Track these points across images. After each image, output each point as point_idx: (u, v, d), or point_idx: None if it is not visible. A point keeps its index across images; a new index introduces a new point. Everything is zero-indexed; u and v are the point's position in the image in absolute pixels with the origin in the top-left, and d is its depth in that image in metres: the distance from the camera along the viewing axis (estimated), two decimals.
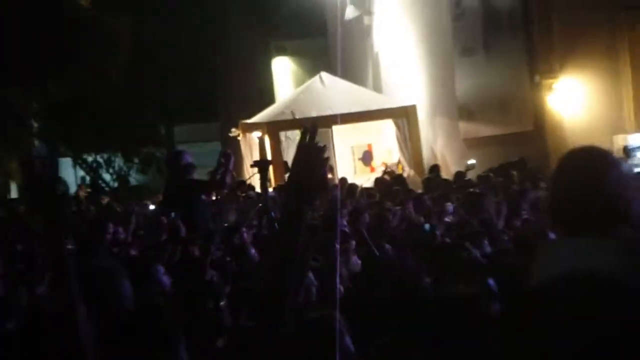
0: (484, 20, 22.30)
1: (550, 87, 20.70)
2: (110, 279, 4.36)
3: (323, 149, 3.18)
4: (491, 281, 4.59)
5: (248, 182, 18.41)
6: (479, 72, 22.41)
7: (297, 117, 20.33)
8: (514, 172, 17.14)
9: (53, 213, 3.55)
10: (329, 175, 3.64)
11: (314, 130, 3.19)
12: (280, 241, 3.18)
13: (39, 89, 28.36)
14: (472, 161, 19.55)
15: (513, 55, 21.46)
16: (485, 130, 22.32)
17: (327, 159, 3.19)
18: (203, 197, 10.87)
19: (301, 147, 3.18)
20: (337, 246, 5.34)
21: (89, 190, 29.89)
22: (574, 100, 20.27)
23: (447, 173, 20.50)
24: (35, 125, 30.50)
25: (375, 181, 20.27)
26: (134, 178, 32.50)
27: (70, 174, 35.42)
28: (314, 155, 3.14)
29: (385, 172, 22.07)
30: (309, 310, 4.11)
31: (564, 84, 20.45)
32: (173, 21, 31.67)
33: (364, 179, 21.38)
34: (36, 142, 32.42)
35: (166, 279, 6.49)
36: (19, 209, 19.80)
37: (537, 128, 20.92)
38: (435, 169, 20.66)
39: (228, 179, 10.94)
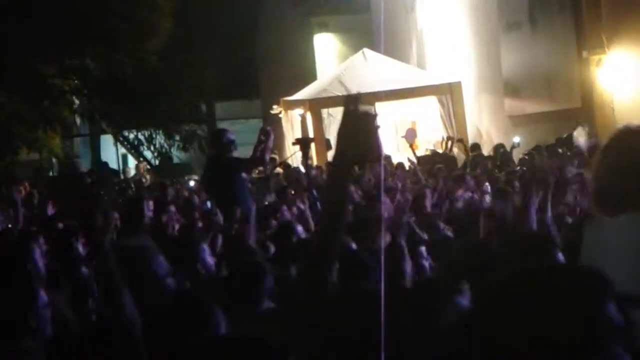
0: None
1: (598, 63, 20.26)
2: (140, 258, 4.24)
3: (372, 115, 2.96)
4: None
5: (288, 160, 18.23)
6: (525, 48, 22.04)
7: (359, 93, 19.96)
8: (560, 150, 16.80)
9: (89, 205, 3.61)
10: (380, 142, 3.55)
11: (357, 99, 2.98)
12: (327, 208, 3.10)
13: (78, 66, 28.38)
14: (517, 139, 19.21)
15: (560, 29, 21.05)
16: (531, 107, 21.96)
17: (378, 126, 2.97)
18: (243, 174, 10.69)
19: (345, 115, 2.97)
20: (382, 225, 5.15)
21: (148, 167, 29.85)
22: (624, 76, 19.78)
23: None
24: (77, 102, 30.55)
25: (419, 160, 20.02)
26: (176, 156, 32.43)
27: (111, 151, 35.45)
28: (360, 122, 2.92)
29: (430, 151, 21.84)
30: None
31: (613, 59, 19.98)
32: None
33: (407, 157, 21.10)
34: (78, 120, 32.51)
35: (210, 260, 6.35)
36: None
37: (585, 105, 20.51)
38: (475, 147, 20.37)
39: (267, 156, 10.82)
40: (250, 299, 5.19)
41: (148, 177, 25.76)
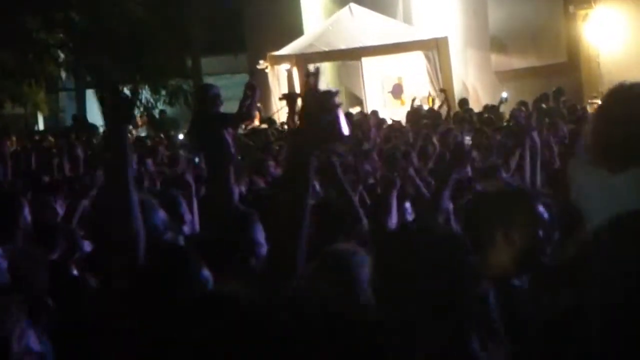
0: None
1: (585, 17, 20.26)
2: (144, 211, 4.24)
3: (333, 93, 2.93)
4: None
5: (276, 115, 18.21)
6: (511, 3, 21.99)
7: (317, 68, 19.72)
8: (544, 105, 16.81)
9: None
10: (343, 121, 3.50)
11: (316, 74, 2.94)
12: (288, 196, 3.06)
13: (64, 19, 28.18)
14: (504, 94, 19.21)
15: None
16: (518, 62, 21.97)
17: (338, 104, 2.94)
18: (230, 129, 10.67)
19: (306, 94, 2.95)
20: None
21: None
22: (610, 31, 19.78)
23: (478, 106, 20.19)
24: (62, 56, 30.36)
25: (407, 115, 20.04)
26: (161, 110, 32.32)
27: (96, 106, 35.27)
28: (321, 102, 2.90)
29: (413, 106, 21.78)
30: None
31: (599, 14, 19.96)
32: None
33: (394, 112, 21.08)
34: (63, 74, 32.32)
35: (188, 217, 6.33)
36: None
37: (571, 60, 20.55)
38: (463, 102, 20.37)
39: (254, 111, 10.79)
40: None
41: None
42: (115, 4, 26.83)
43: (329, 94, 2.93)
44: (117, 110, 3.92)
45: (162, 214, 4.52)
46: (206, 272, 3.52)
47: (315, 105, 2.92)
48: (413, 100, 21.56)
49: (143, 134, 23.60)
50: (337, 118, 2.92)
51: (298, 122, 3.02)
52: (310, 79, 2.95)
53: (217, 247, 4.91)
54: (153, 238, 4.14)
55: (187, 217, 6.25)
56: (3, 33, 25.65)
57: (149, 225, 4.19)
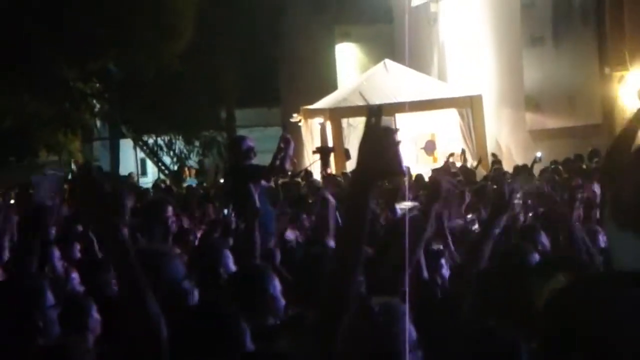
0: (554, 9, 21.82)
1: (620, 79, 20.17)
2: (156, 261, 4.19)
3: (393, 130, 2.94)
4: None
5: (309, 168, 18.20)
6: (547, 63, 21.97)
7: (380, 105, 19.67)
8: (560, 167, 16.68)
9: (107, 210, 3.48)
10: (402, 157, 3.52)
11: (379, 112, 2.96)
12: (345, 227, 3.11)
13: (100, 70, 28.50)
14: (539, 154, 19.12)
15: (583, 46, 20.97)
16: (552, 122, 21.89)
17: (399, 142, 2.95)
18: (263, 182, 10.64)
19: (367, 129, 2.95)
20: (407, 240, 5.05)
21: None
22: None
23: (512, 165, 20.08)
24: (98, 106, 30.66)
25: (433, 171, 19.97)
26: (194, 161, 32.47)
27: (130, 155, 35.51)
28: (382, 137, 2.91)
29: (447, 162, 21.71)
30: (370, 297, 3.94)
31: (635, 76, 19.88)
32: (236, 3, 31.56)
33: (426, 169, 21.03)
34: (98, 123, 32.61)
35: (232, 264, 6.30)
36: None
37: (606, 121, 20.41)
38: (496, 160, 20.28)
39: (287, 165, 10.75)
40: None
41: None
42: (151, 56, 27.09)
43: (390, 131, 2.95)
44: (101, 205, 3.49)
45: (178, 264, 4.47)
46: (244, 327, 3.47)
47: (377, 140, 2.94)
48: (450, 156, 21.55)
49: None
50: (397, 153, 2.93)
51: (358, 157, 3.01)
52: (373, 114, 2.97)
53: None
54: (170, 289, 4.09)
55: (231, 267, 6.20)
56: (40, 82, 25.94)
57: (166, 275, 4.16)
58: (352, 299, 3.04)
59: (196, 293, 4.56)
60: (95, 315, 5.03)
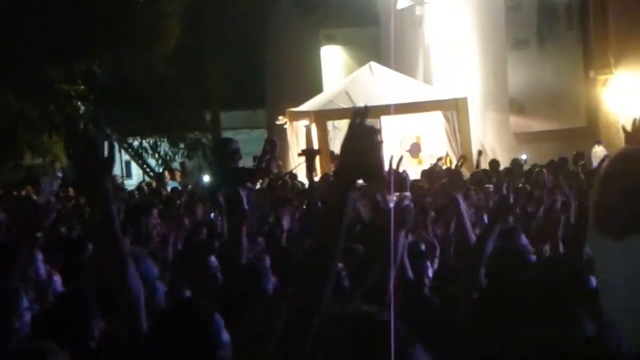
0: (539, 12, 21.90)
1: (605, 83, 20.25)
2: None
3: (376, 131, 2.94)
4: None
5: (294, 170, 18.18)
6: (531, 66, 22.04)
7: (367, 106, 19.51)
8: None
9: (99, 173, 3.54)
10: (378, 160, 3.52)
11: (364, 112, 2.96)
12: (323, 226, 3.05)
13: (85, 71, 28.43)
14: (524, 156, 19.19)
15: (567, 49, 21.05)
16: (536, 125, 21.96)
17: (381, 142, 2.96)
18: (248, 184, 10.64)
19: (351, 128, 2.95)
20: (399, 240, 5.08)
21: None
22: (630, 97, 19.75)
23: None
24: (82, 108, 30.57)
25: (422, 173, 19.97)
26: (181, 162, 32.46)
27: (115, 157, 35.41)
28: (366, 137, 2.91)
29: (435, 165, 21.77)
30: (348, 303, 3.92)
31: (620, 80, 19.95)
32: (222, 5, 31.56)
33: (412, 171, 21.06)
34: (82, 125, 32.50)
35: (219, 273, 6.32)
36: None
37: (590, 124, 20.50)
38: (495, 163, 20.30)
39: (273, 167, 10.76)
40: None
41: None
42: (137, 57, 27.04)
43: (374, 131, 2.96)
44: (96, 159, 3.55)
45: (150, 264, 4.49)
46: (220, 323, 3.46)
47: (360, 140, 2.94)
48: (439, 160, 21.57)
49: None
50: (379, 154, 2.95)
51: (340, 155, 3.01)
52: (359, 114, 2.98)
53: (230, 300, 4.89)
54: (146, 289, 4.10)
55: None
56: (25, 83, 25.86)
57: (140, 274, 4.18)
58: (327, 294, 3.00)
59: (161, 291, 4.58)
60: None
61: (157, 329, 3.46)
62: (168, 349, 3.34)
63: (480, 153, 22.14)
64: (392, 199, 6.00)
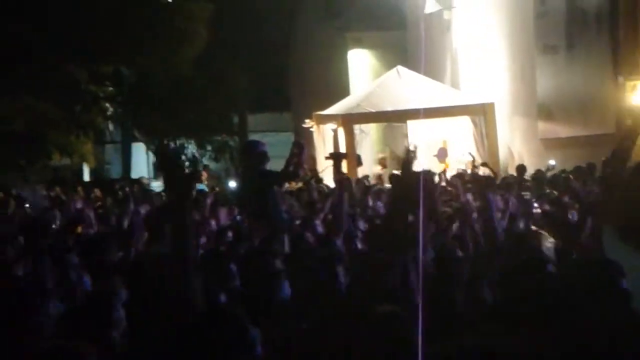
0: (568, 18, 21.81)
1: (633, 88, 20.15)
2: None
3: (432, 176, 3.04)
4: None
5: (320, 174, 18.19)
6: (560, 71, 21.95)
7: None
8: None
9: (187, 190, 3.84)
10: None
11: (412, 155, 3.08)
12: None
13: (113, 73, 28.53)
14: (552, 161, 19.10)
15: (596, 54, 20.98)
16: (564, 131, 21.85)
17: (438, 188, 3.06)
18: (276, 187, 10.65)
19: (404, 167, 3.06)
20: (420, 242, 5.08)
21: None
22: None
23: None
24: (110, 109, 30.70)
25: (451, 178, 19.92)
26: (204, 165, 32.53)
27: (142, 159, 35.56)
28: (415, 178, 3.02)
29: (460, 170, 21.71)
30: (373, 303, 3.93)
31: None
32: (249, 8, 31.63)
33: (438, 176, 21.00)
34: (110, 126, 32.66)
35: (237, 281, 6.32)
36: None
37: (619, 130, 20.36)
38: (522, 169, 20.21)
39: (300, 170, 10.77)
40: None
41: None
42: (163, 60, 27.11)
43: (432, 179, 3.09)
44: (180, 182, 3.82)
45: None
46: (255, 333, 3.46)
47: (409, 182, 3.05)
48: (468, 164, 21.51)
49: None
50: (435, 203, 3.09)
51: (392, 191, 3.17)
52: (409, 156, 3.11)
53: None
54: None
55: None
56: (52, 84, 25.96)
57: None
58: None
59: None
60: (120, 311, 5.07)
61: (193, 332, 3.47)
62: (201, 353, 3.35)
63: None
64: None
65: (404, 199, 3.11)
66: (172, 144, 26.69)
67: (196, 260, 3.80)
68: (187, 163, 32.27)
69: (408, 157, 3.22)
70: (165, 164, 4.01)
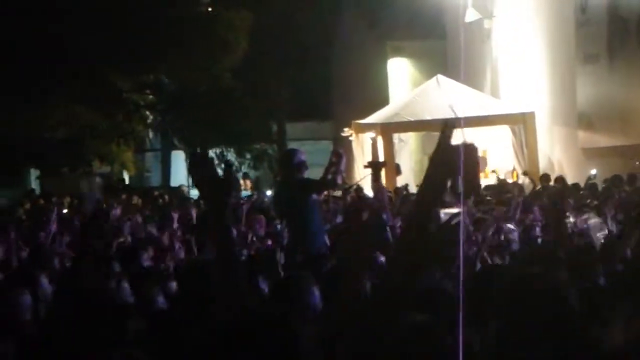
0: (609, 26, 21.65)
1: None
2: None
3: (475, 148, 2.93)
4: None
5: (359, 183, 18.19)
6: (601, 81, 21.80)
7: (455, 112, 19.33)
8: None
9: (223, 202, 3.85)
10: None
11: (451, 128, 2.95)
12: (410, 228, 3.09)
13: (153, 82, 28.73)
14: (593, 171, 18.98)
15: (637, 63, 20.80)
16: (605, 140, 21.70)
17: (479, 160, 2.95)
18: (314, 196, 10.65)
19: (441, 139, 2.93)
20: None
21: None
22: None
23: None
24: (150, 117, 30.91)
25: (485, 188, 19.87)
26: (245, 173, 32.62)
27: (182, 167, 35.70)
28: (454, 151, 2.90)
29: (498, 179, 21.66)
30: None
31: None
32: (288, 18, 31.70)
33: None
34: (150, 134, 32.87)
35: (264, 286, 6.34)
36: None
37: None
38: (544, 178, 20.12)
39: (339, 179, 10.74)
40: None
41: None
42: (203, 70, 27.26)
43: (473, 149, 2.95)
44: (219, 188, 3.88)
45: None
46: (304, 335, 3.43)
47: (447, 154, 2.93)
48: (493, 172, 21.43)
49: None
50: (476, 173, 2.93)
51: (428, 168, 3.01)
52: (446, 127, 2.97)
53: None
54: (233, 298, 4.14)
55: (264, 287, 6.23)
56: (94, 94, 26.18)
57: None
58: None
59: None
60: None
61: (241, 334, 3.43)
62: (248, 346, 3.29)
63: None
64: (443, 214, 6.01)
65: (441, 180, 2.95)
66: (200, 150, 26.68)
67: (240, 261, 3.82)
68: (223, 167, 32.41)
69: (446, 131, 2.99)
70: (196, 171, 3.96)
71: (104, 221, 11.59)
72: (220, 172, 3.95)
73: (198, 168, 3.90)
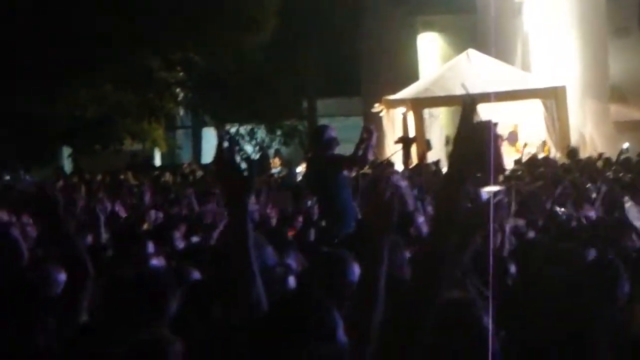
0: None
1: None
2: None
3: (491, 125, 2.89)
4: None
5: (391, 158, 18.18)
6: (633, 54, 21.66)
7: (467, 90, 19.39)
8: None
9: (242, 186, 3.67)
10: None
11: (472, 104, 2.90)
12: (438, 210, 3.07)
13: (183, 59, 28.75)
14: (626, 145, 18.89)
15: None
16: (638, 114, 21.57)
17: (498, 136, 2.92)
18: (345, 172, 10.64)
19: (463, 117, 2.89)
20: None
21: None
22: None
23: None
24: (181, 95, 30.96)
25: (516, 162, 19.82)
26: (277, 150, 32.67)
27: (212, 144, 35.74)
28: (479, 132, 2.86)
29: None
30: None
31: None
32: None
33: (510, 160, 20.87)
34: (181, 112, 32.95)
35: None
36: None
37: None
38: (574, 152, 20.04)
39: (370, 155, 10.70)
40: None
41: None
42: (232, 47, 27.25)
43: (487, 126, 2.91)
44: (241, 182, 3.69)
45: (270, 251, 4.56)
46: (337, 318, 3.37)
47: (471, 133, 2.89)
48: (524, 146, 21.33)
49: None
50: (486, 149, 2.88)
51: (452, 149, 2.98)
52: (467, 105, 2.92)
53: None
54: (263, 275, 4.12)
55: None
56: (124, 73, 26.25)
57: (259, 263, 4.21)
58: (443, 287, 3.00)
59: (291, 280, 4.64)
60: None
61: (272, 316, 3.42)
62: (281, 337, 3.26)
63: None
64: (484, 193, 5.94)
65: (465, 159, 2.87)
66: (226, 135, 26.75)
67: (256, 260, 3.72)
68: (256, 147, 32.48)
69: (467, 107, 2.90)
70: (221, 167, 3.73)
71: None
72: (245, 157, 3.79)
73: (223, 150, 3.77)
